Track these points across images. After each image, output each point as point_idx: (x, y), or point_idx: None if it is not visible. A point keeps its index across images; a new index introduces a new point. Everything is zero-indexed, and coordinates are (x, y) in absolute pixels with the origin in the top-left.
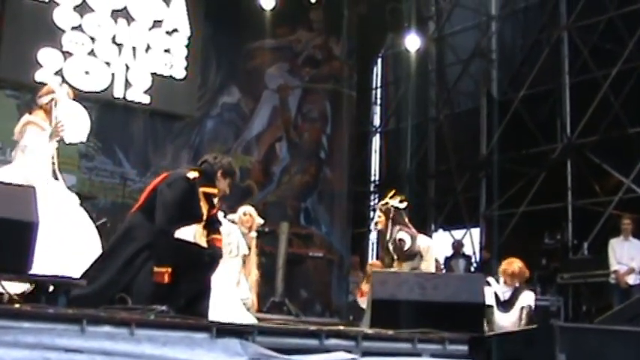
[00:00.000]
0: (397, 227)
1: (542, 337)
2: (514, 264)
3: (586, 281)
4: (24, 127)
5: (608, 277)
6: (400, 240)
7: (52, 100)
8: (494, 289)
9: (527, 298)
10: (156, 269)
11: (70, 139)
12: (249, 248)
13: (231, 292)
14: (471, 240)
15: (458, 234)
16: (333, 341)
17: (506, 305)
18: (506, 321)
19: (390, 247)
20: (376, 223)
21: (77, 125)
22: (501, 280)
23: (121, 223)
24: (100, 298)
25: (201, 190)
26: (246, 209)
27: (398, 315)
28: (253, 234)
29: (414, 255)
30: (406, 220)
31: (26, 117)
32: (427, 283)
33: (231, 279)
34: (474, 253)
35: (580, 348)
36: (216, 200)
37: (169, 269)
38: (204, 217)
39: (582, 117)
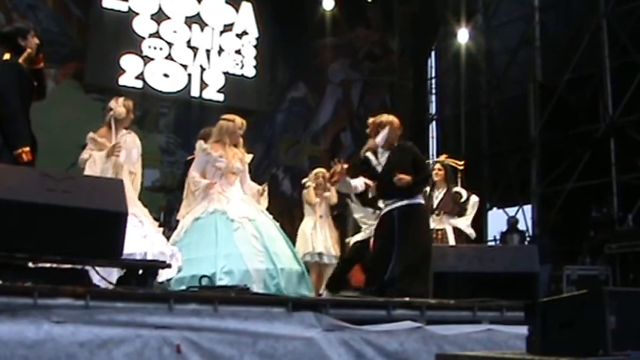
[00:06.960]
0: (453, 183)
1: (593, 301)
2: None
3: (633, 250)
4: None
5: None
6: (457, 193)
7: (111, 117)
8: None
9: None
10: (15, 153)
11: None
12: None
13: None
14: (524, 216)
15: (511, 211)
16: (399, 311)
17: None
18: None
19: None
20: (435, 174)
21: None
22: None
23: None
24: None
25: (21, 61)
26: (318, 171)
27: (458, 286)
28: (327, 193)
29: (464, 210)
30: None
31: (90, 134)
32: (484, 256)
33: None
34: (527, 228)
35: (628, 310)
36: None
37: (26, 148)
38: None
39: (623, 98)
